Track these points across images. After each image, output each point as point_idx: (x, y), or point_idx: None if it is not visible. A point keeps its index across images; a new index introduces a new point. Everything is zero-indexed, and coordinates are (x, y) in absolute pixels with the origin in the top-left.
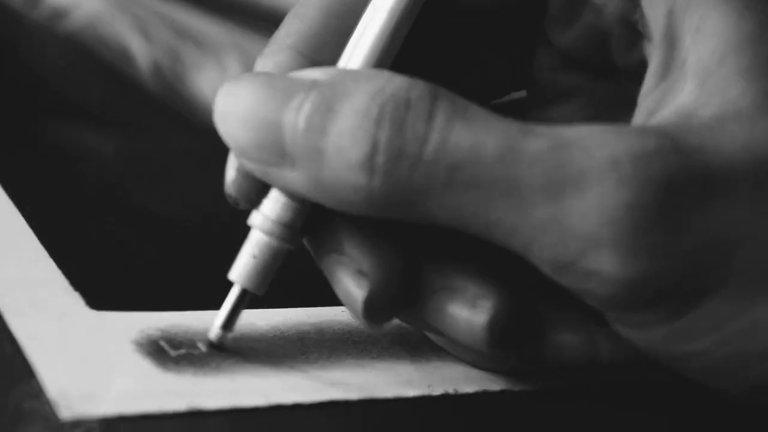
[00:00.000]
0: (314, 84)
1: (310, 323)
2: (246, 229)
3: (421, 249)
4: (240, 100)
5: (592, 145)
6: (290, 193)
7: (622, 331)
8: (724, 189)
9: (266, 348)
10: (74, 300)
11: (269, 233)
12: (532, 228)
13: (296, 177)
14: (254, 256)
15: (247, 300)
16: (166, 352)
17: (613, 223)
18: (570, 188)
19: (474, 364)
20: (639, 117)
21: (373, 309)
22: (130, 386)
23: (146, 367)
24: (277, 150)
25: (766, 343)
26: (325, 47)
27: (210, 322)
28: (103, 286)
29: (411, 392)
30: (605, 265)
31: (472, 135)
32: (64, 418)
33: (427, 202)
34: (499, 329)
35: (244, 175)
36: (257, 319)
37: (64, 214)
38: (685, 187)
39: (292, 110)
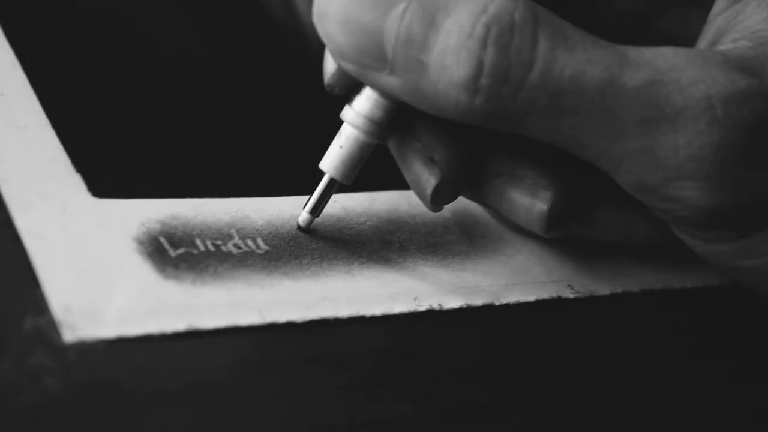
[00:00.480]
0: None
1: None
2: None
3: (487, 137)
4: (341, 3)
5: (686, 83)
6: (385, 94)
7: (689, 242)
8: None
9: (263, 248)
10: (77, 186)
11: (359, 128)
12: (623, 155)
13: (395, 82)
14: (343, 148)
15: (335, 188)
16: (166, 251)
17: (701, 159)
18: (663, 124)
19: (519, 232)
20: (709, 34)
21: (440, 195)
22: (131, 301)
23: (147, 272)
24: (377, 56)
25: None
26: None
27: (207, 210)
28: (105, 169)
29: (397, 308)
30: (688, 193)
31: (574, 64)
32: (68, 340)
33: (525, 122)
34: (555, 217)
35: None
36: (252, 212)
37: (66, 68)
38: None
39: (394, 19)
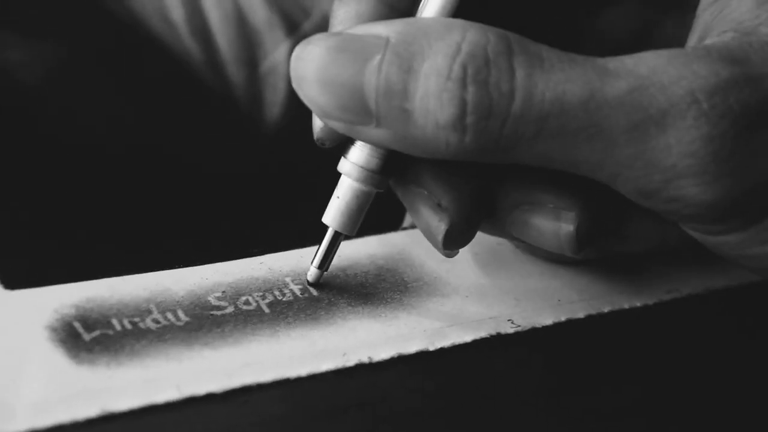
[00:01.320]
0: (387, 43)
1: (226, 283)
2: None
3: (495, 170)
4: (316, 65)
5: (668, 82)
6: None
7: (697, 237)
8: None
9: (183, 320)
10: None
11: (355, 178)
12: (617, 165)
13: (382, 133)
14: (343, 200)
15: (340, 241)
16: (80, 335)
17: (694, 155)
18: (652, 127)
19: (549, 260)
20: (697, 30)
21: (452, 240)
22: (43, 391)
23: (59, 360)
24: (360, 111)
25: None
26: None
27: (124, 288)
28: (17, 258)
29: (325, 365)
30: (689, 191)
31: (553, 85)
32: None
33: (517, 151)
34: (584, 236)
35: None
36: (173, 284)
37: None
38: (757, 114)
39: (371, 72)
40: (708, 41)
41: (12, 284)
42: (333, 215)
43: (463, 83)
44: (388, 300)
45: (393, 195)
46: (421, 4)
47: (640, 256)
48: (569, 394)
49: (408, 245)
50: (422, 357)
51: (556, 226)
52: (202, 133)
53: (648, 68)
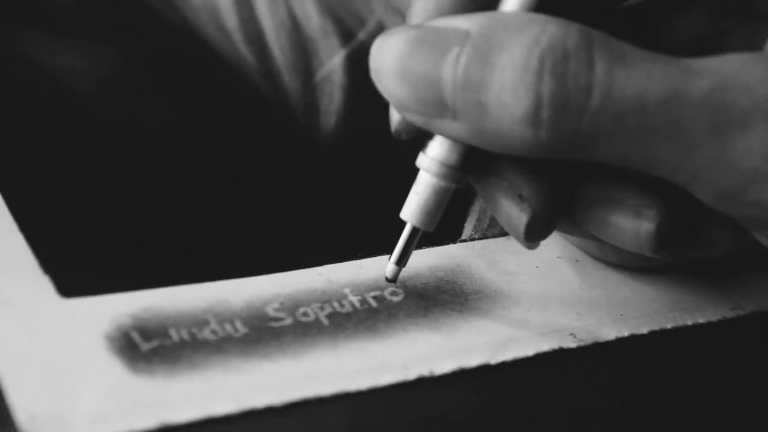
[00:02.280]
0: (467, 36)
1: (284, 294)
2: None
3: (575, 168)
4: (395, 57)
5: (751, 83)
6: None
7: None
8: None
9: (241, 332)
10: (45, 287)
11: (434, 173)
12: (697, 166)
13: (459, 127)
14: (422, 196)
15: (419, 236)
16: (137, 346)
17: None
18: (733, 128)
19: (621, 264)
20: None
21: (534, 231)
22: (99, 402)
23: (116, 370)
24: (437, 103)
25: None
26: None
27: (182, 298)
28: (75, 267)
29: (385, 379)
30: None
31: (634, 82)
32: None
33: (593, 148)
34: (665, 235)
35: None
36: (231, 295)
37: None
38: None
39: (449, 65)
40: None
41: (68, 292)
42: (411, 211)
43: (539, 75)
44: (449, 312)
45: (450, 208)
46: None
47: (713, 263)
48: (630, 411)
49: (468, 257)
50: (483, 370)
51: (636, 223)
52: (257, 142)
53: (732, 69)
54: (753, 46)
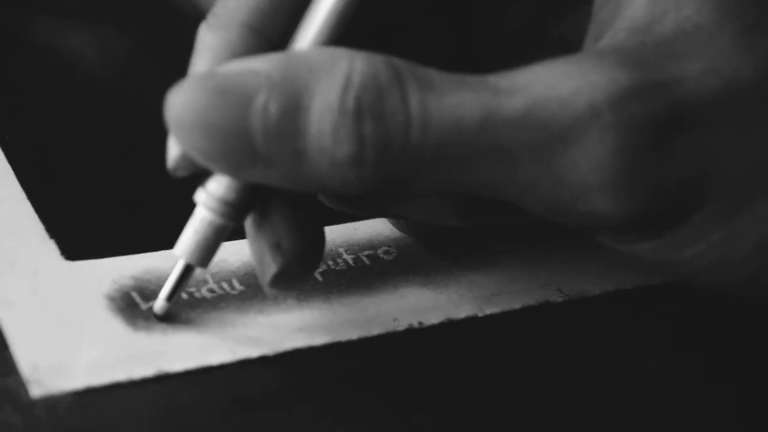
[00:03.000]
0: (270, 81)
1: None
2: None
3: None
4: (194, 111)
5: (566, 96)
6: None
7: (613, 245)
8: (700, 116)
9: (238, 289)
10: (50, 251)
11: (214, 211)
12: (522, 185)
13: (273, 174)
14: (198, 233)
15: (191, 274)
16: (137, 305)
17: (601, 169)
18: (555, 144)
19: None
20: (593, 29)
21: (279, 282)
22: (99, 353)
23: (117, 326)
24: (248, 154)
25: (748, 248)
26: (276, 18)
27: None
28: (79, 230)
29: (375, 330)
30: (598, 206)
31: (449, 110)
32: (34, 395)
33: (417, 180)
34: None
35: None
36: (229, 255)
37: (42, 143)
38: (663, 124)
39: (256, 114)
40: (602, 42)
41: (72, 256)
42: (186, 247)
43: (359, 117)
44: (439, 269)
45: None
46: (295, 33)
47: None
48: (615, 361)
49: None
50: (471, 323)
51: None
52: None
53: (543, 82)
54: (574, 35)
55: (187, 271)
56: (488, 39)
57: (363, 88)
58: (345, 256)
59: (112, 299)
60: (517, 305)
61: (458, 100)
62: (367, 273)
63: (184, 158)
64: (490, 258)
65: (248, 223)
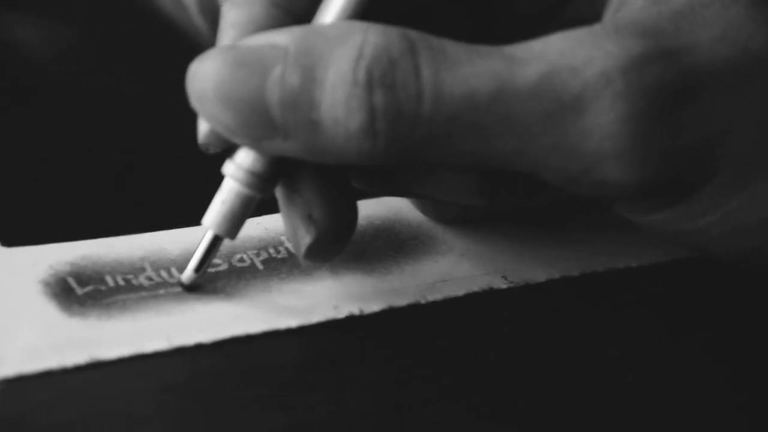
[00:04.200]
0: (287, 53)
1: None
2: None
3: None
4: (215, 83)
5: (579, 65)
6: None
7: (626, 215)
8: (711, 83)
9: (176, 277)
10: None
11: (241, 182)
12: (536, 155)
13: (291, 146)
14: (225, 204)
15: (219, 245)
16: (73, 290)
17: (613, 137)
18: (568, 113)
19: (439, 218)
20: (613, 3)
21: (314, 254)
22: (33, 339)
23: (51, 312)
24: (266, 125)
25: (762, 215)
26: None
27: (120, 247)
28: (17, 218)
29: (315, 318)
30: (612, 174)
31: (461, 81)
32: None
33: (430, 152)
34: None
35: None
36: (168, 244)
37: None
38: (676, 90)
39: (273, 85)
40: (620, 14)
41: (10, 242)
42: (214, 218)
43: (370, 88)
44: (382, 257)
45: None
46: (319, 8)
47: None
48: (560, 350)
49: (406, 207)
50: (414, 310)
51: (461, 176)
52: None
53: (557, 52)
54: (592, 16)
55: (216, 242)
56: (507, 19)
57: (374, 59)
58: (287, 243)
59: (47, 284)
60: (460, 292)
61: (472, 71)
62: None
63: (214, 133)
64: (435, 246)
65: (279, 195)
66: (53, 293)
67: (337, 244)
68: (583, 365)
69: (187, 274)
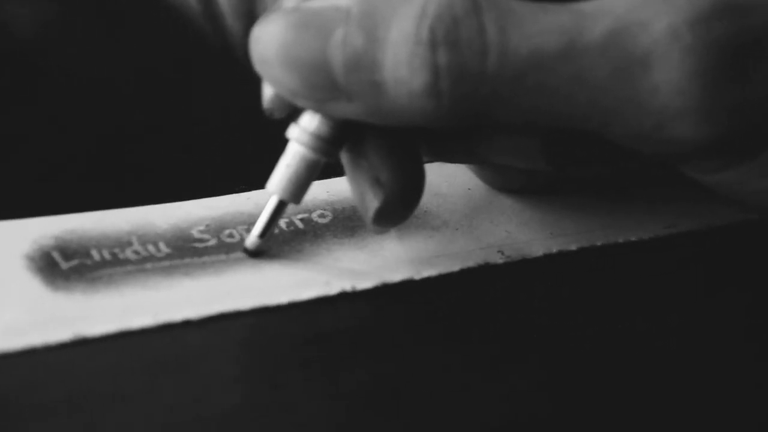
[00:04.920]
0: (349, 14)
1: (210, 217)
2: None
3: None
4: (278, 45)
5: (647, 19)
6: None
7: (695, 175)
8: None
9: (164, 251)
10: None
11: (306, 145)
12: (605, 114)
13: (355, 108)
14: (290, 167)
15: (284, 210)
16: (57, 264)
17: (683, 93)
18: (637, 69)
19: (507, 188)
20: None
21: (383, 217)
22: (16, 316)
23: (35, 287)
24: (329, 87)
25: None
26: None
27: (107, 221)
28: (3, 192)
29: (306, 294)
30: (682, 131)
31: (528, 39)
32: None
33: (495, 112)
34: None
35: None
36: (156, 218)
37: None
38: (744, 44)
39: (336, 47)
40: None
41: None
42: (279, 183)
43: (433, 47)
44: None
45: None
46: None
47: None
48: (558, 325)
49: None
50: (407, 286)
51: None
52: (198, 79)
53: (625, 6)
54: None
55: (280, 206)
56: None
57: (437, 17)
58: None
59: (31, 259)
60: (455, 267)
61: (539, 28)
62: (299, 237)
63: (278, 98)
64: (429, 220)
65: (345, 160)
66: (37, 268)
67: (405, 208)
68: (583, 339)
69: (251, 239)
